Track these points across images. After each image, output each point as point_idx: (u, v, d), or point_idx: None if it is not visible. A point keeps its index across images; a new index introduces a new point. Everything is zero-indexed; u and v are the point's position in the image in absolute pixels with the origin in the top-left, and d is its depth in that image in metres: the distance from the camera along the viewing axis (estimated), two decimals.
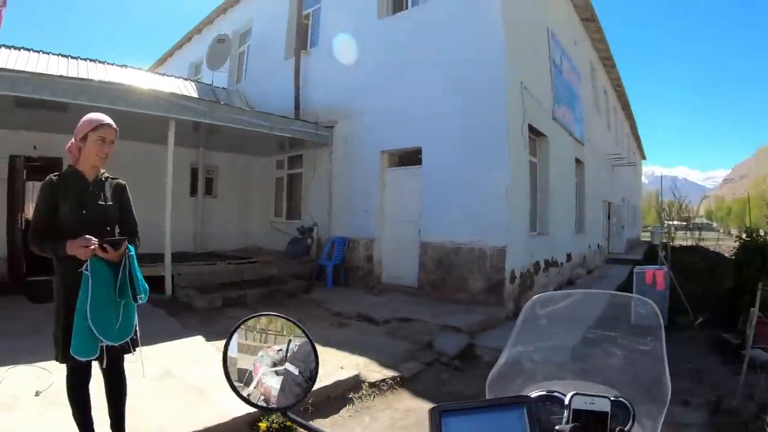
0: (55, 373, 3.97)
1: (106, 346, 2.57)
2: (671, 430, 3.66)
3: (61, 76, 8.14)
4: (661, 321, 1.25)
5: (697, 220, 35.74)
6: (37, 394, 3.84)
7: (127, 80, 10.02)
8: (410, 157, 9.19)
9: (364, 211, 9.66)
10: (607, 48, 15.53)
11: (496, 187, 7.61)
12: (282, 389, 1.26)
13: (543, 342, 1.38)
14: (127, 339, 2.68)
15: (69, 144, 2.77)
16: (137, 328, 2.76)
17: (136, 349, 2.75)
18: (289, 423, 3.46)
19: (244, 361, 1.30)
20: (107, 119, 2.73)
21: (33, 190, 11.47)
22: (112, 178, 2.85)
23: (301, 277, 9.74)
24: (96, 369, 2.69)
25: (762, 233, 7.63)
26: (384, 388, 4.49)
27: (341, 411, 4.03)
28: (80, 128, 2.72)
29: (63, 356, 2.59)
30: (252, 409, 3.40)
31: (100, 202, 2.72)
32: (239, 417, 3.52)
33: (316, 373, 1.29)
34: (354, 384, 4.40)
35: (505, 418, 0.88)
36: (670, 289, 7.09)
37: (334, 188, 10.50)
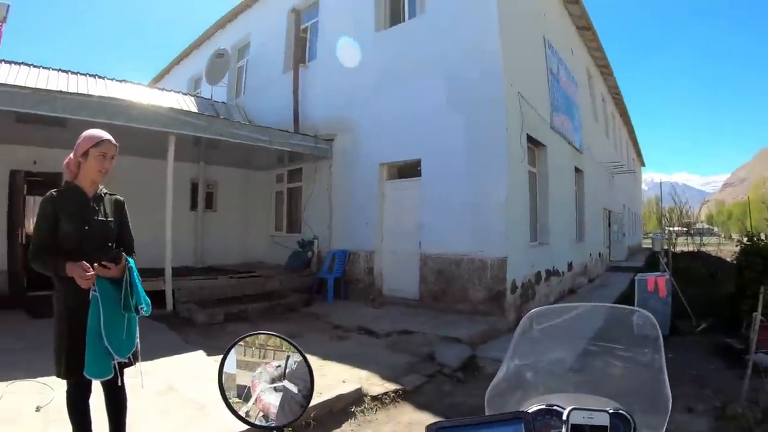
0: (56, 388, 3.91)
1: (117, 362, 2.58)
2: None
3: (60, 91, 8.16)
4: (659, 332, 1.26)
5: (698, 226, 35.66)
6: (37, 409, 3.84)
7: (127, 95, 10.06)
8: (409, 170, 9.22)
9: (364, 223, 9.67)
10: (604, 56, 15.63)
11: (495, 198, 7.62)
12: (281, 406, 1.29)
13: (542, 355, 1.40)
14: (131, 353, 2.69)
15: (67, 160, 2.79)
16: (138, 341, 2.77)
17: (136, 362, 2.75)
18: None
19: (242, 377, 1.33)
20: (107, 135, 2.75)
21: (33, 205, 11.53)
22: (110, 194, 2.87)
23: (302, 291, 9.76)
24: (96, 384, 2.69)
25: (763, 237, 7.62)
26: (386, 401, 4.47)
27: (343, 425, 4.02)
28: (80, 144, 2.73)
29: (65, 372, 2.59)
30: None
31: (101, 218, 2.74)
32: None
33: (312, 391, 1.29)
34: (356, 397, 4.38)
35: None
36: (672, 296, 7.08)
37: (334, 201, 10.53)
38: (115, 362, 2.55)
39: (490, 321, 7.05)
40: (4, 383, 4.24)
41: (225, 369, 1.35)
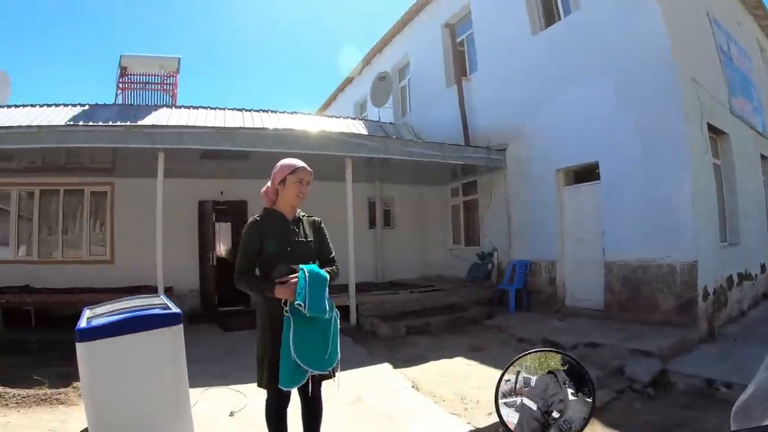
0: (249, 395, 4.61)
1: (313, 374, 2.82)
2: None
3: (239, 128, 9.82)
4: None
5: None
6: (231, 414, 4.40)
7: (300, 125, 11.58)
8: (587, 174, 9.21)
9: (544, 232, 9.81)
10: None
11: (680, 197, 7.44)
12: (520, 424, 1.46)
13: None
14: (332, 367, 2.92)
15: (265, 188, 3.12)
16: (339, 356, 2.98)
17: (335, 374, 2.95)
18: None
19: (509, 394, 1.52)
20: (302, 163, 3.08)
21: (220, 231, 13.58)
22: (308, 216, 3.20)
23: (483, 303, 10.15)
24: (294, 393, 2.94)
25: None
26: None
27: None
28: (277, 173, 3.05)
29: (266, 382, 2.87)
30: None
31: (301, 239, 3.03)
32: None
33: (594, 403, 1.45)
34: None
35: None
36: None
37: (511, 211, 10.80)
38: (310, 374, 2.78)
39: (681, 332, 6.85)
40: (200, 389, 4.74)
41: (501, 385, 1.54)
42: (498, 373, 1.57)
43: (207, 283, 10.84)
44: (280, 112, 13.53)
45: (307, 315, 2.73)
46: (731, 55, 10.04)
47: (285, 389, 2.80)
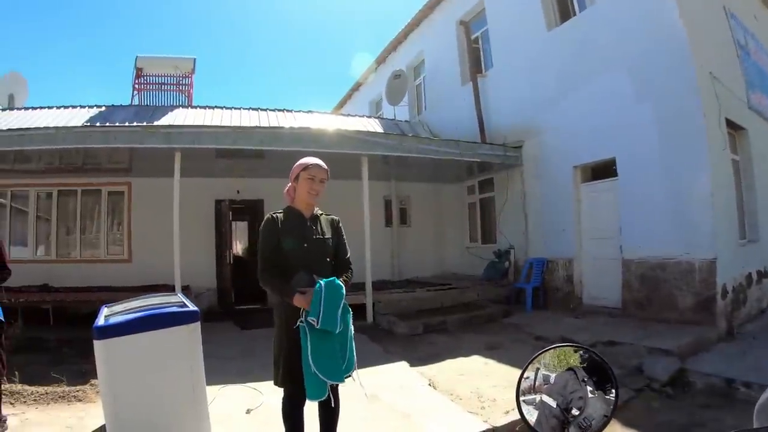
0: (265, 393, 4.62)
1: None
2: None
3: (256, 127, 9.92)
4: None
5: None
6: (248, 412, 4.42)
7: (315, 124, 11.60)
8: (604, 170, 9.14)
9: (561, 230, 9.76)
10: None
11: (699, 193, 7.36)
12: (539, 421, 1.47)
13: None
14: (348, 374, 2.95)
15: (287, 187, 3.16)
16: (355, 362, 3.02)
17: (352, 374, 2.99)
18: None
19: (528, 392, 1.54)
20: (316, 160, 3.09)
21: (237, 229, 13.65)
22: (326, 215, 3.21)
23: (500, 301, 10.14)
24: None
25: None
26: None
27: None
28: (293, 170, 3.10)
29: (282, 380, 2.92)
30: None
31: (318, 237, 3.04)
32: None
33: (616, 401, 1.47)
34: None
35: None
36: None
37: (528, 209, 10.77)
38: (329, 385, 2.78)
39: (699, 330, 6.79)
40: (217, 387, 4.78)
41: (522, 381, 1.56)
42: (515, 371, 1.56)
43: (224, 281, 10.93)
44: (295, 111, 13.59)
45: (318, 328, 2.74)
46: (749, 49, 9.89)
47: (315, 401, 2.82)
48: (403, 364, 6.25)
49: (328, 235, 3.10)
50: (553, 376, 1.54)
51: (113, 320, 3.19)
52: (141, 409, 3.10)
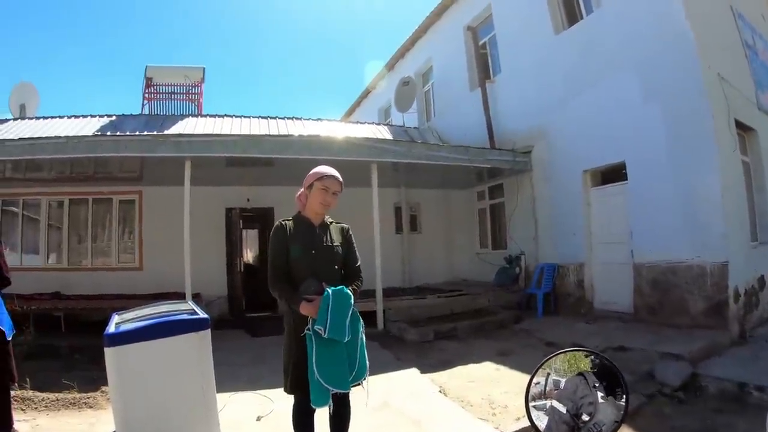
0: (276, 400, 4.62)
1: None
2: None
3: (266, 135, 9.95)
4: None
5: None
6: (258, 419, 4.42)
7: (325, 132, 11.68)
8: (614, 174, 9.09)
9: (571, 234, 9.71)
10: None
11: (709, 196, 7.29)
12: (549, 427, 1.53)
13: None
14: (360, 381, 2.95)
15: (299, 193, 3.15)
16: (368, 368, 3.01)
17: (361, 383, 2.97)
18: None
19: (539, 397, 1.59)
20: (333, 172, 3.08)
21: (247, 237, 13.70)
22: (336, 223, 3.21)
23: (511, 307, 10.09)
24: None
25: None
26: None
27: None
28: (308, 177, 3.07)
29: (292, 387, 2.92)
30: None
31: (327, 244, 3.03)
32: None
33: (627, 406, 1.50)
34: None
35: None
36: None
37: (538, 214, 10.73)
38: (332, 393, 2.76)
39: (711, 335, 6.72)
40: (228, 394, 4.83)
41: (531, 388, 1.57)
42: (526, 377, 1.56)
43: (234, 289, 10.97)
44: (305, 119, 13.69)
45: (326, 337, 2.75)
46: (756, 50, 9.82)
47: (317, 408, 2.84)
48: (413, 371, 6.22)
49: (337, 242, 3.08)
50: (563, 381, 1.53)
51: (124, 327, 3.21)
52: (151, 416, 3.12)
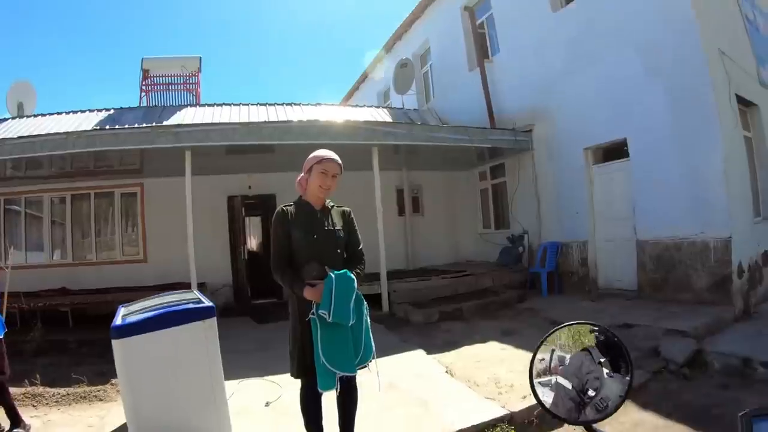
0: (284, 386, 4.69)
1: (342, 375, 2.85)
2: None
3: (264, 122, 10.00)
4: None
5: None
6: (267, 404, 4.48)
7: (324, 116, 11.68)
8: (615, 151, 9.05)
9: (574, 213, 9.70)
10: None
11: (711, 172, 7.26)
12: (555, 403, 1.45)
13: None
14: (366, 363, 3.00)
15: (299, 177, 3.16)
16: (374, 350, 3.06)
17: (367, 365, 3.02)
18: None
19: (543, 374, 1.51)
20: (332, 155, 3.08)
21: (250, 225, 13.73)
22: (338, 206, 3.22)
23: (515, 287, 10.11)
24: None
25: None
26: None
27: (565, 424, 4.30)
28: (307, 162, 3.09)
29: (298, 371, 2.94)
30: (477, 421, 3.95)
31: (328, 228, 3.04)
32: (465, 429, 3.91)
33: (632, 381, 1.46)
34: None
35: None
36: None
37: (540, 193, 10.73)
38: (338, 376, 2.80)
39: (715, 310, 6.72)
40: (236, 381, 4.90)
41: (535, 364, 1.56)
42: (532, 355, 1.54)
43: (239, 277, 11.03)
44: (303, 105, 13.65)
45: (330, 322, 2.78)
46: (757, 25, 9.71)
47: (324, 392, 2.86)
48: (419, 352, 6.26)
49: (338, 226, 3.10)
50: (568, 357, 1.53)
51: (130, 319, 3.24)
52: (161, 405, 3.15)
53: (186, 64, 13.28)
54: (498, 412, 4.23)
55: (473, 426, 3.94)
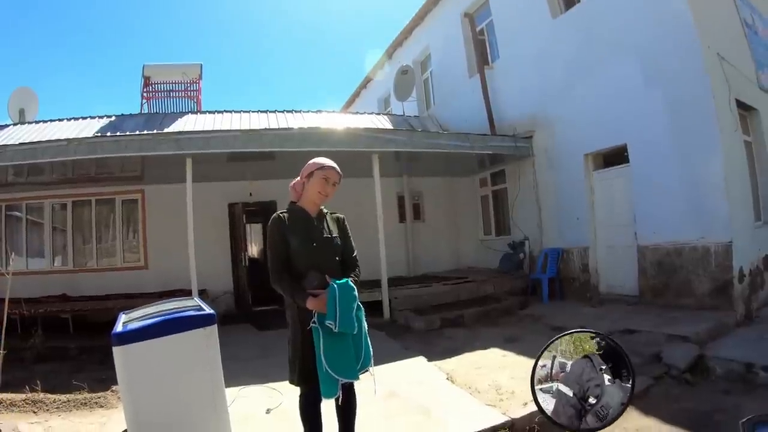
0: (285, 393, 4.64)
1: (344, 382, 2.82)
2: None
3: (265, 129, 10.03)
4: None
5: None
6: (268, 411, 4.46)
7: (324, 123, 11.67)
8: (616, 157, 9.05)
9: (575, 219, 9.70)
10: None
11: (712, 176, 7.26)
12: (556, 411, 1.52)
13: None
14: (367, 368, 2.97)
15: (294, 182, 3.14)
16: (372, 358, 3.03)
17: (368, 369, 2.99)
18: None
19: (545, 380, 1.58)
20: (333, 163, 3.08)
21: (251, 232, 13.73)
22: (332, 213, 3.20)
23: (516, 293, 10.09)
24: None
25: None
26: None
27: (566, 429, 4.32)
28: (307, 167, 3.08)
29: (298, 379, 2.93)
30: (478, 428, 3.92)
31: (326, 235, 3.03)
32: None
33: (633, 388, 1.49)
34: None
35: None
36: None
37: (541, 199, 10.73)
38: (341, 383, 2.77)
39: (717, 316, 6.70)
40: (237, 388, 4.90)
41: (537, 370, 1.56)
42: (533, 362, 1.55)
43: (240, 283, 11.03)
44: (304, 112, 13.67)
45: (336, 332, 2.76)
46: (756, 29, 9.71)
47: (327, 399, 2.84)
48: (420, 359, 6.23)
49: (335, 233, 3.09)
50: (569, 363, 1.54)
51: (131, 326, 3.22)
52: (161, 413, 3.13)
53: (187, 72, 13.33)
54: (499, 419, 4.20)
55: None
